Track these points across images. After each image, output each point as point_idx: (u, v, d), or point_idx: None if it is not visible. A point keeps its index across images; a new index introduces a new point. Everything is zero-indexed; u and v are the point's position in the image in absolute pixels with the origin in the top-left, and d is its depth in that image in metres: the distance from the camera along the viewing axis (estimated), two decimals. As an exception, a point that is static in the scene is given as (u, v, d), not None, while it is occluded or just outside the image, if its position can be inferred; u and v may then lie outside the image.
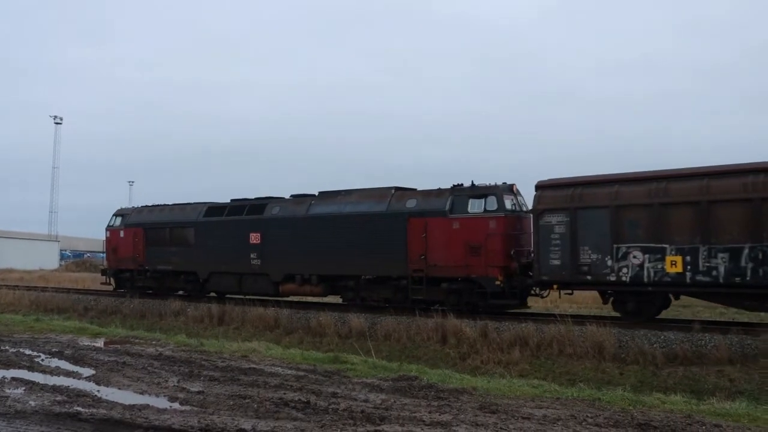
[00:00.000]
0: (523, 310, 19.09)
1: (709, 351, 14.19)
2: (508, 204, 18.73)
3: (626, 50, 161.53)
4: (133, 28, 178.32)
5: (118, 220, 29.34)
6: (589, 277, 16.88)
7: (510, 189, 19.15)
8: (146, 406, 8.85)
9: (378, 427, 7.53)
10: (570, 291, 18.08)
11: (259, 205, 24.39)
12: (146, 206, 29.23)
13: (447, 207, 19.28)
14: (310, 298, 24.25)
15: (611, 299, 17.44)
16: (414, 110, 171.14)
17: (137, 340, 17.04)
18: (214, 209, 25.84)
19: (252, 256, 23.56)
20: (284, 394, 9.63)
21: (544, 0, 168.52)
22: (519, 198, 19.30)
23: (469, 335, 16.80)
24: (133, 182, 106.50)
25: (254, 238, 23.58)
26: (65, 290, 32.65)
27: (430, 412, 8.42)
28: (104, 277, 30.23)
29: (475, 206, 18.97)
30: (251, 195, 26.12)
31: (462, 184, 19.69)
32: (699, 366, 13.88)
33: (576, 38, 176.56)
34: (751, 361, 13.62)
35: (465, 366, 15.58)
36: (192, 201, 27.71)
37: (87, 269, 59.67)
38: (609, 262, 16.53)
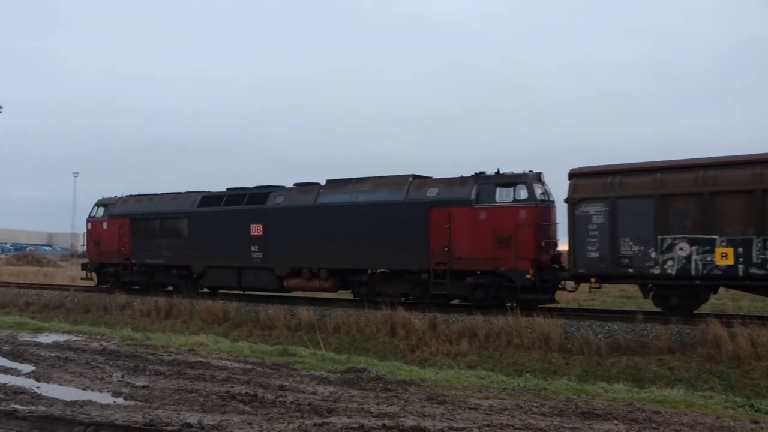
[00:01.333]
0: (552, 305, 18.20)
1: (650, 341, 14.58)
2: (537, 193, 17.85)
3: (578, 49, 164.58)
4: (77, 18, 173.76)
5: (101, 210, 27.41)
6: (630, 270, 16.09)
7: (538, 177, 18.25)
8: (88, 402, 8.64)
9: (325, 420, 7.50)
10: (598, 286, 17.24)
11: (260, 194, 22.87)
12: (132, 195, 27.27)
13: (473, 196, 18.23)
14: (318, 294, 22.85)
15: (651, 294, 16.62)
16: (373, 104, 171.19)
17: (81, 335, 16.65)
18: (209, 199, 24.20)
19: (253, 249, 22.13)
20: (231, 387, 9.52)
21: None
22: (546, 187, 18.44)
23: (419, 327, 16.91)
24: (78, 173, 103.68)
25: (255, 229, 22.14)
26: (5, 284, 31.61)
27: (378, 404, 8.43)
28: (85, 272, 28.40)
29: (503, 195, 18.00)
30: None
31: (483, 172, 18.66)
32: (641, 355, 14.26)
33: (538, 37, 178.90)
34: (689, 350, 14.05)
35: (414, 358, 15.67)
36: (176, 191, 25.99)
37: (29, 263, 57.95)
38: (653, 254, 15.76)
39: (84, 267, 28.64)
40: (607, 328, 15.53)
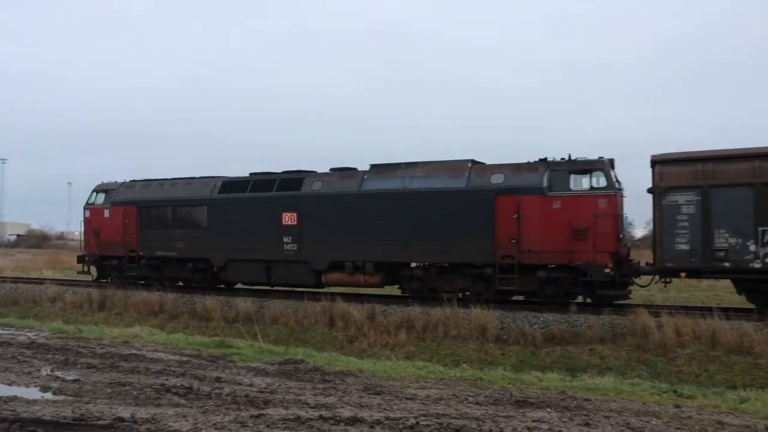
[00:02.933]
0: (625, 301, 16.91)
1: (583, 331, 14.96)
2: (615, 180, 16.62)
3: (509, 42, 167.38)
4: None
5: (101, 196, 24.70)
6: (726, 264, 14.94)
7: (612, 164, 16.83)
8: (14, 398, 8.35)
9: (262, 411, 7.46)
10: (665, 283, 16.44)
11: (293, 179, 20.73)
12: (137, 181, 24.69)
13: (545, 183, 16.74)
14: (361, 290, 20.48)
15: (745, 289, 15.63)
16: (302, 93, 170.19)
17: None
18: (232, 184, 21.82)
19: (285, 240, 20.01)
20: (166, 380, 9.37)
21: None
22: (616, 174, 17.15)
23: (357, 318, 16.94)
24: (5, 160, 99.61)
25: (288, 218, 20.03)
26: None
27: (315, 395, 8.43)
28: (81, 264, 25.14)
29: (578, 183, 16.66)
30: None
31: (546, 158, 17.36)
32: (574, 345, 14.62)
33: (462, 29, 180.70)
34: (619, 339, 14.49)
35: (352, 349, 15.70)
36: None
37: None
38: (752, 247, 14.68)
39: (81, 259, 25.24)
40: (542, 319, 15.85)
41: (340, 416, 7.20)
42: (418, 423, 6.95)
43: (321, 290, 19.90)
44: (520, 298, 17.95)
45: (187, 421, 7.12)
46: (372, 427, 6.84)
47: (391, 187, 18.79)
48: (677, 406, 8.18)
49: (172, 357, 11.59)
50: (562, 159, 17.06)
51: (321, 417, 7.15)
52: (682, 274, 15.59)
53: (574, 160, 16.86)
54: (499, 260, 17.02)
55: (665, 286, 17.08)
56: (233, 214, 21.17)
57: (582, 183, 16.60)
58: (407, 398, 8.33)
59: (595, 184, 16.44)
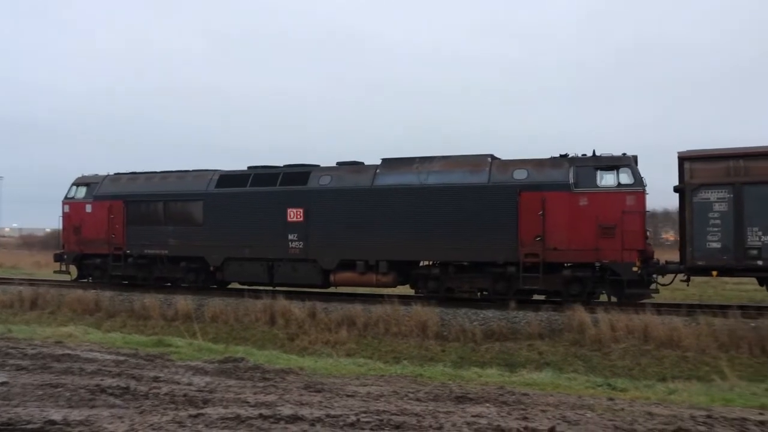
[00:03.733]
0: (649, 300, 16.58)
1: (522, 327, 15.26)
2: (641, 177, 16.37)
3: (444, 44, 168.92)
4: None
5: (82, 190, 23.20)
6: (759, 263, 14.87)
7: (636, 161, 16.66)
8: (-62, 402, 8.02)
9: (201, 410, 7.35)
10: (686, 278, 16.26)
11: (299, 173, 19.77)
12: (122, 173, 23.28)
13: (571, 179, 16.49)
14: (373, 290, 19.92)
15: None
16: (241, 89, 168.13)
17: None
18: (230, 178, 20.83)
19: (291, 237, 19.19)
20: (101, 380, 9.12)
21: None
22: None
23: (298, 316, 16.90)
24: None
25: (294, 214, 19.20)
26: None
27: (255, 393, 8.36)
28: (59, 263, 23.49)
29: (605, 179, 16.42)
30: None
31: (567, 154, 17.11)
32: (513, 341, 14.90)
33: (399, 29, 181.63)
34: (557, 335, 14.83)
35: (293, 347, 15.64)
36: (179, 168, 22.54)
37: None
38: None
39: (58, 258, 23.58)
40: (482, 315, 16.09)
41: (280, 414, 7.15)
42: (358, 420, 6.96)
43: (323, 290, 19.56)
44: (541, 297, 17.63)
45: (123, 422, 6.97)
46: (312, 424, 6.82)
47: (406, 182, 18.14)
48: (611, 399, 8.40)
49: (108, 357, 11.30)
50: (583, 155, 16.92)
51: (261, 415, 7.09)
52: (714, 273, 15.52)
53: (599, 156, 16.68)
54: (522, 259, 16.63)
55: (687, 285, 16.98)
56: (232, 210, 20.22)
57: (608, 179, 16.40)
58: (348, 395, 8.33)
59: (622, 181, 16.23)
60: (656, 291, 16.21)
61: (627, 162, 16.30)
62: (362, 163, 19.52)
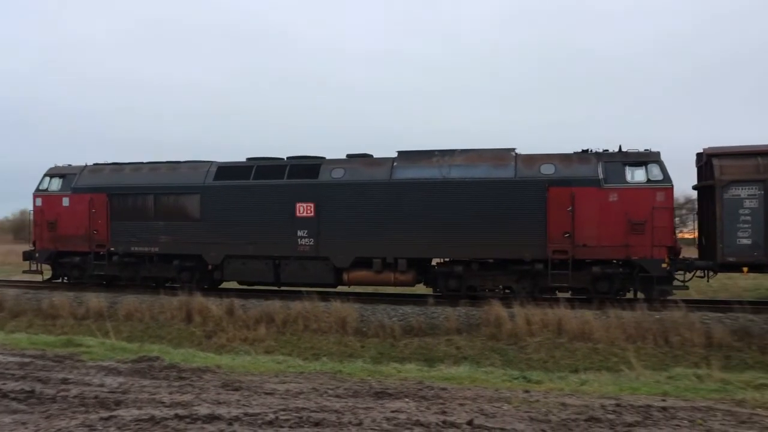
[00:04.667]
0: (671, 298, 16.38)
1: (440, 323, 15.46)
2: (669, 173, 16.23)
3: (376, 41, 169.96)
4: None
5: (57, 182, 21.17)
6: None
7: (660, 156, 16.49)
8: None
9: (113, 413, 7.10)
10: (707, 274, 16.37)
11: (309, 165, 18.66)
12: (104, 164, 21.33)
13: (600, 175, 16.26)
14: (388, 289, 19.29)
15: None
16: (158, 82, 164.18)
17: None
18: (230, 170, 19.41)
19: (300, 234, 18.10)
20: (3, 384, 8.68)
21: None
22: None
23: (216, 313, 16.62)
24: None
25: (304, 209, 18.09)
26: None
27: (170, 393, 8.14)
28: (30, 262, 21.36)
29: (634, 175, 16.20)
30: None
31: (589, 150, 16.97)
32: (432, 336, 15.08)
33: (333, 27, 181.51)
34: (474, 330, 15.10)
35: (210, 344, 15.37)
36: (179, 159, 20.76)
37: None
38: None
39: (29, 256, 21.41)
40: (401, 311, 16.21)
41: (196, 414, 6.99)
42: (277, 418, 6.89)
43: (331, 290, 18.53)
44: (566, 294, 17.28)
45: (27, 428, 6.65)
46: (230, 423, 6.70)
47: (428, 176, 17.41)
48: (526, 391, 8.61)
49: (12, 359, 10.77)
50: (605, 150, 16.85)
51: (177, 416, 6.92)
52: (744, 269, 15.66)
53: (627, 152, 16.56)
54: (551, 255, 16.33)
55: (708, 281, 17.01)
56: (233, 204, 18.90)
57: (638, 175, 16.24)
58: (266, 393, 8.23)
59: (651, 177, 16.10)
60: (686, 287, 16.32)
61: (655, 158, 16.25)
62: (371, 156, 18.76)
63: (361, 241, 17.69)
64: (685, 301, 15.57)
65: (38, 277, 21.72)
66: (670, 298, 16.14)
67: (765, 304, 16.21)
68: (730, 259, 15.50)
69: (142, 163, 21.01)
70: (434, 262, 18.07)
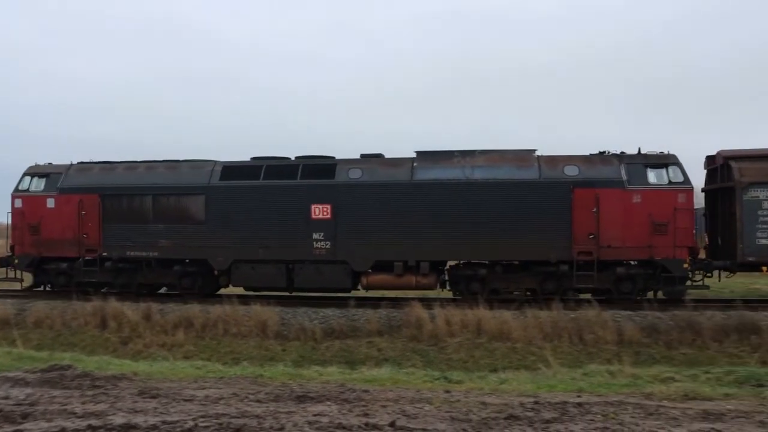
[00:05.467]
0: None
1: (362, 325, 15.50)
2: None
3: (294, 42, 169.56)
4: None
5: (39, 182, 19.48)
6: None
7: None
8: None
9: (19, 427, 6.77)
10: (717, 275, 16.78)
11: (324, 165, 17.97)
12: (92, 163, 19.78)
13: (624, 177, 16.39)
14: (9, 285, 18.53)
15: None
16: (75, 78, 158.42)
17: None
18: (237, 170, 18.40)
19: (316, 236, 17.33)
20: None
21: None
22: None
23: (132, 318, 16.15)
24: None
25: (320, 211, 17.35)
26: None
27: (83, 403, 7.84)
28: (8, 268, 19.48)
29: (655, 177, 16.40)
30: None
31: (606, 152, 17.08)
32: (353, 338, 15.09)
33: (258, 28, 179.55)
34: (396, 331, 15.20)
35: (126, 351, 14.94)
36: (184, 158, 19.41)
37: None
38: None
39: (6, 262, 19.56)
40: (321, 314, 16.15)
41: (111, 424, 6.76)
42: (196, 425, 6.74)
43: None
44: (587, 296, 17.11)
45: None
46: (147, 432, 6.52)
47: (451, 177, 17.09)
48: (447, 391, 8.73)
49: None
50: (621, 153, 17.00)
51: (90, 426, 6.67)
52: (764, 269, 16.15)
53: (647, 154, 16.74)
54: (576, 257, 16.36)
55: (719, 281, 17.41)
56: (242, 206, 17.89)
57: (659, 177, 16.46)
58: (185, 400, 8.04)
59: (672, 178, 16.36)
60: (707, 287, 16.59)
61: (675, 160, 16.55)
62: (382, 155, 18.31)
63: (382, 244, 17.17)
64: (696, 301, 16.04)
65: (17, 285, 19.81)
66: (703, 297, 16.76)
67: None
68: (750, 259, 16.04)
69: (136, 161, 19.67)
70: (448, 264, 17.89)
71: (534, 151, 17.43)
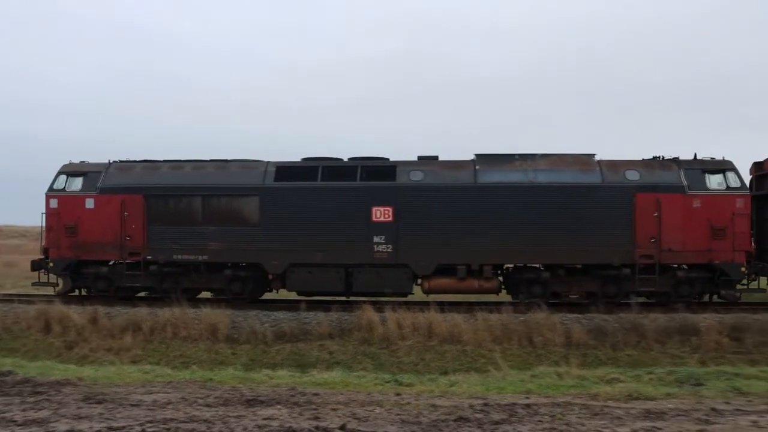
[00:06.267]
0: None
1: (313, 328, 15.46)
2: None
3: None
4: None
5: (76, 181, 18.34)
6: None
7: None
8: None
9: (-43, 434, 6.58)
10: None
11: (384, 167, 17.60)
12: (133, 162, 18.91)
13: (684, 182, 16.61)
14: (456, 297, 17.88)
15: None
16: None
17: None
18: (293, 170, 17.77)
19: (376, 240, 16.91)
20: None
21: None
22: None
23: (77, 322, 15.79)
24: None
25: (381, 213, 16.97)
26: None
27: (24, 410, 7.64)
28: (40, 272, 18.39)
29: (713, 182, 16.65)
30: None
31: (660, 157, 17.34)
32: (304, 342, 15.04)
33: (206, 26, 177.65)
34: (347, 334, 15.21)
35: (71, 356, 14.59)
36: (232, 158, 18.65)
37: None
38: None
39: (38, 265, 18.39)
40: (273, 317, 16.06)
41: (54, 431, 6.62)
42: (144, 431, 6.65)
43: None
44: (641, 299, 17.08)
45: None
46: (92, 439, 6.40)
47: (514, 180, 17.00)
48: (398, 394, 8.78)
49: None
50: (676, 158, 17.21)
51: (32, 433, 6.51)
52: None
53: (703, 160, 17.01)
54: (638, 260, 16.50)
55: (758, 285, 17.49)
56: (298, 208, 17.32)
57: (717, 182, 16.74)
58: (132, 405, 7.92)
59: (730, 184, 16.65)
60: (763, 290, 16.91)
61: (731, 166, 16.86)
62: (436, 157, 18.02)
63: (445, 248, 16.93)
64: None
65: (50, 290, 18.53)
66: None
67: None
68: None
69: (181, 161, 18.79)
70: (505, 267, 17.79)
71: (594, 155, 17.59)
